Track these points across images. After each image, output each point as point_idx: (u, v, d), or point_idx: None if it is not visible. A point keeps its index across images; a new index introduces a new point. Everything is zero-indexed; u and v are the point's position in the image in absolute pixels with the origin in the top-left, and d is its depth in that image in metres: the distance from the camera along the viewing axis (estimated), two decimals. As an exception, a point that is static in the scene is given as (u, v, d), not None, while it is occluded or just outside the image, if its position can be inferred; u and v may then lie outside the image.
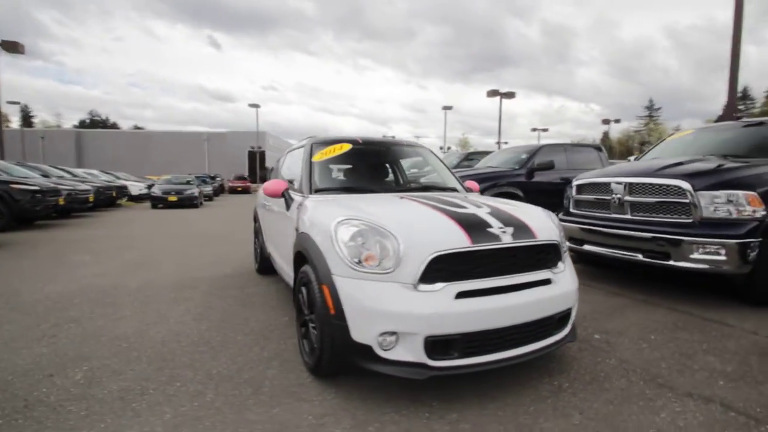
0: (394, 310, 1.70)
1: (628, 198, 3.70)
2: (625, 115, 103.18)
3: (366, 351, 1.74)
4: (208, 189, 21.36)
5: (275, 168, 4.92)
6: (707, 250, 3.14)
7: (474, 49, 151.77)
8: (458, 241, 1.83)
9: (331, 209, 2.25)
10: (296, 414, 1.76)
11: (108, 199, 14.31)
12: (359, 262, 1.81)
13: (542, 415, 1.75)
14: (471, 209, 2.18)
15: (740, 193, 3.13)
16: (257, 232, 4.59)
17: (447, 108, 38.28)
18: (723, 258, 3.08)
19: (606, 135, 57.90)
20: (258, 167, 39.59)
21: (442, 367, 1.73)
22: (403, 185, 3.16)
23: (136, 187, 18.87)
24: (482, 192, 4.29)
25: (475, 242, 1.84)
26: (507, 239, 1.91)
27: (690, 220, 3.27)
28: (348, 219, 1.95)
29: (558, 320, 2.03)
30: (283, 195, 2.73)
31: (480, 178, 6.06)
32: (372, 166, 3.37)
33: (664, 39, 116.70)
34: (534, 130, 39.99)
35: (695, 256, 3.16)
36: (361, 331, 1.74)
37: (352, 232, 1.88)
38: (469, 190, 3.22)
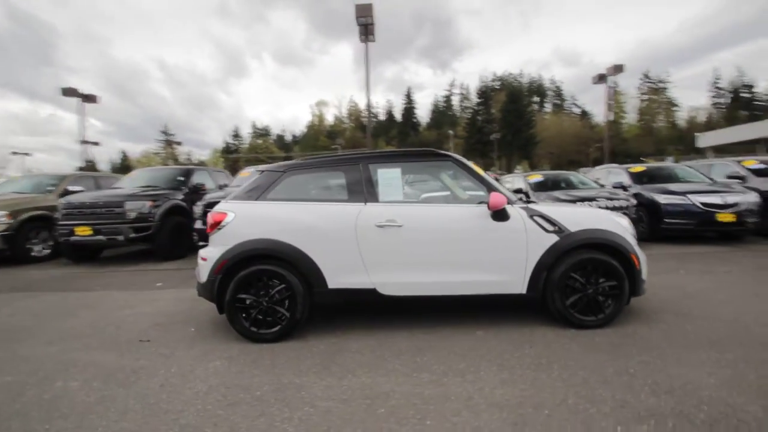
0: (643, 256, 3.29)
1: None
2: (133, 136, 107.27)
3: (643, 281, 3.22)
4: None
5: (262, 184, 3.28)
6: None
7: None
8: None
9: (592, 209, 3.84)
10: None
11: None
12: (634, 237, 3.27)
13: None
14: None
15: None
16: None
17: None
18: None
19: (125, 155, 63.32)
20: None
21: None
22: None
23: None
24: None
25: None
26: None
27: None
28: (615, 211, 3.53)
29: None
30: (504, 208, 3.11)
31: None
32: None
33: (157, 70, 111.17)
34: (84, 142, 29.84)
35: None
36: (644, 271, 3.23)
37: (627, 221, 3.34)
38: None
